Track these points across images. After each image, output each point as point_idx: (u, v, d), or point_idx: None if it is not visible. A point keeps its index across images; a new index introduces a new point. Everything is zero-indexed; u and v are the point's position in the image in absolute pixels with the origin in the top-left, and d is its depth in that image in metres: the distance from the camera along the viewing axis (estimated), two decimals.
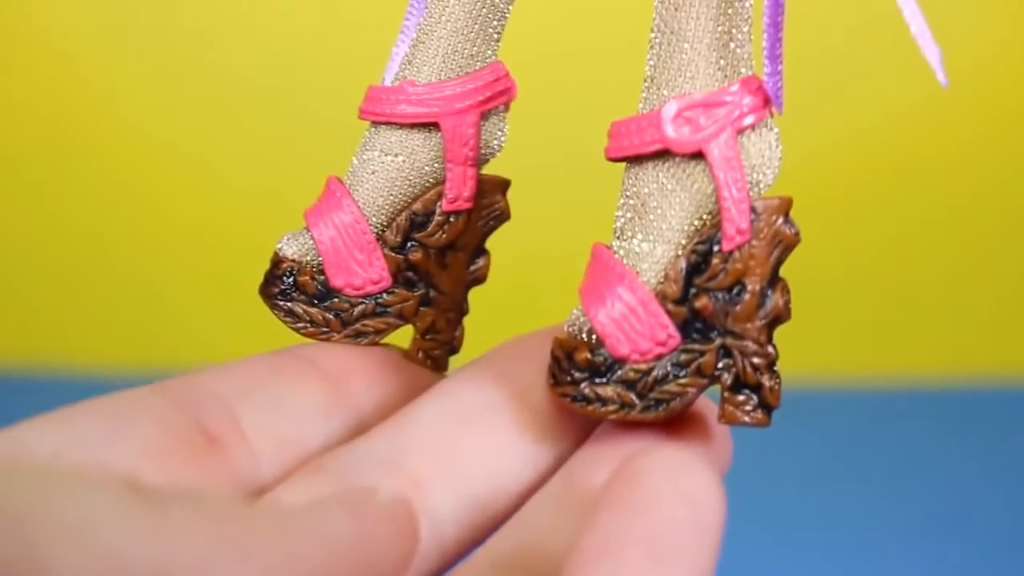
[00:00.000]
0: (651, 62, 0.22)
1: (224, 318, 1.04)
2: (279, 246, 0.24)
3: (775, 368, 0.22)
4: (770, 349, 0.22)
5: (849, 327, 1.03)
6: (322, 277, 0.24)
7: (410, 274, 0.24)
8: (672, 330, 0.22)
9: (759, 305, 0.22)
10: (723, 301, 0.22)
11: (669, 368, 0.22)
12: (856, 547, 0.79)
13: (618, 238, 0.22)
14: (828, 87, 0.98)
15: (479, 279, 0.25)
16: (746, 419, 0.22)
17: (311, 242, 0.24)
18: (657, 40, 0.22)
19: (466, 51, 0.24)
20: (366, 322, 0.24)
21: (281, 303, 0.24)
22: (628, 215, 0.22)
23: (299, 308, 0.24)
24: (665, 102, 0.22)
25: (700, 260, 0.22)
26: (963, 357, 1.05)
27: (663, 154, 0.22)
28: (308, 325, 0.24)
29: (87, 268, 1.06)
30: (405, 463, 0.21)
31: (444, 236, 0.24)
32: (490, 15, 0.24)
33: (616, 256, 0.22)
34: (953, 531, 0.80)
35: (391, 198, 0.24)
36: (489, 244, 0.25)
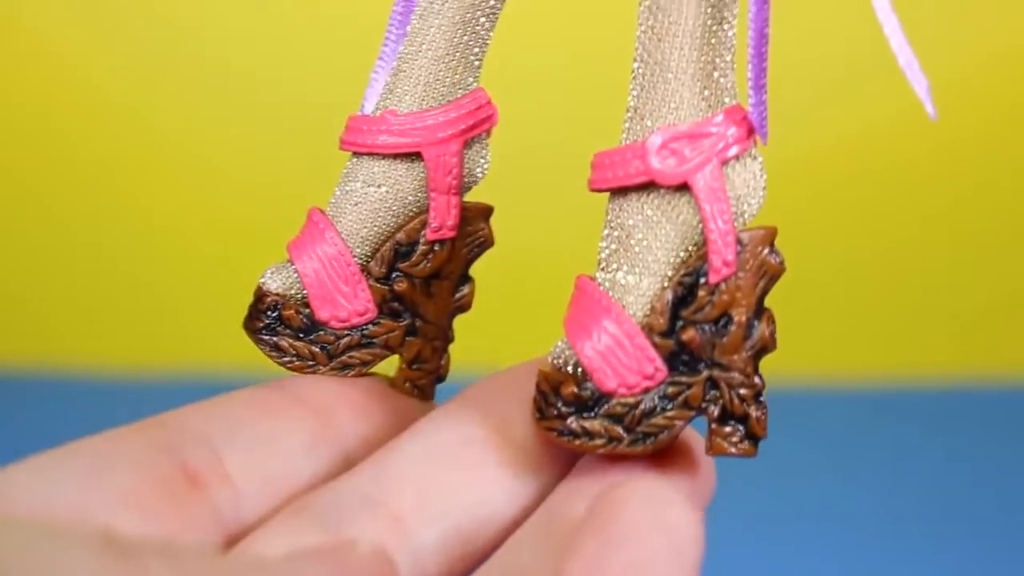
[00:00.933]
0: (634, 92, 0.22)
1: (224, 318, 1.04)
2: (262, 280, 0.24)
3: (762, 398, 0.22)
4: (756, 380, 0.22)
5: (848, 327, 1.03)
6: (307, 310, 0.24)
7: (395, 304, 0.24)
8: (659, 363, 0.21)
9: (745, 336, 0.22)
10: (710, 333, 0.22)
11: (656, 401, 0.21)
12: (854, 547, 0.79)
13: (603, 270, 0.22)
14: (826, 88, 0.98)
15: (464, 307, 0.25)
16: (733, 451, 0.22)
17: (295, 275, 0.24)
18: (640, 70, 0.22)
19: (447, 79, 0.24)
20: (352, 354, 0.24)
21: (266, 338, 0.24)
22: (612, 246, 0.22)
23: (285, 342, 0.24)
24: (650, 133, 0.22)
25: (686, 292, 0.22)
26: (962, 357, 1.05)
27: (648, 185, 0.22)
28: (294, 359, 0.24)
29: (87, 268, 1.06)
30: (387, 501, 0.20)
31: (429, 265, 0.24)
32: (471, 42, 0.24)
33: (601, 288, 0.22)
34: (950, 531, 0.80)
35: (375, 229, 0.24)
36: (472, 270, 0.25)
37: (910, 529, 0.81)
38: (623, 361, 0.21)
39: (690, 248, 0.22)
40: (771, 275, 0.22)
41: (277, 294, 0.24)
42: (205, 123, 1.03)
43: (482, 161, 0.25)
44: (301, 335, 0.24)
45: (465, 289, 0.25)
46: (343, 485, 0.21)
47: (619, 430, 0.21)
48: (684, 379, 0.22)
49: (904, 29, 0.21)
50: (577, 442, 0.21)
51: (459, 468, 0.21)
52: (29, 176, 1.05)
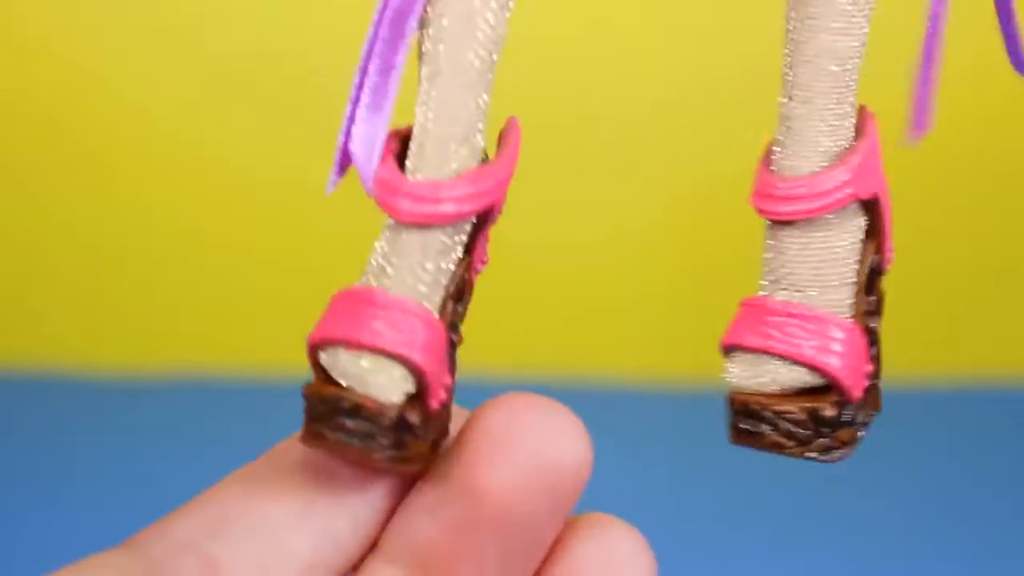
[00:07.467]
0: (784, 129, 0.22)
1: (224, 318, 1.04)
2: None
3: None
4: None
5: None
6: None
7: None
8: (871, 365, 0.22)
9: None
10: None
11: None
12: (852, 547, 0.79)
13: (786, 289, 0.22)
14: None
15: None
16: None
17: None
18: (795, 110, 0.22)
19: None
20: None
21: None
22: (786, 269, 0.22)
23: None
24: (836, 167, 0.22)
25: (867, 288, 0.22)
26: (961, 357, 1.05)
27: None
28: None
29: (87, 268, 1.06)
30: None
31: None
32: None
33: (801, 303, 0.22)
34: (949, 531, 0.80)
35: None
36: None
37: (910, 529, 0.81)
38: (858, 367, 0.21)
39: (861, 247, 0.22)
40: None
41: None
42: (206, 123, 1.03)
43: None
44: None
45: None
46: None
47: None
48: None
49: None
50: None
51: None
52: (30, 177, 1.05)
